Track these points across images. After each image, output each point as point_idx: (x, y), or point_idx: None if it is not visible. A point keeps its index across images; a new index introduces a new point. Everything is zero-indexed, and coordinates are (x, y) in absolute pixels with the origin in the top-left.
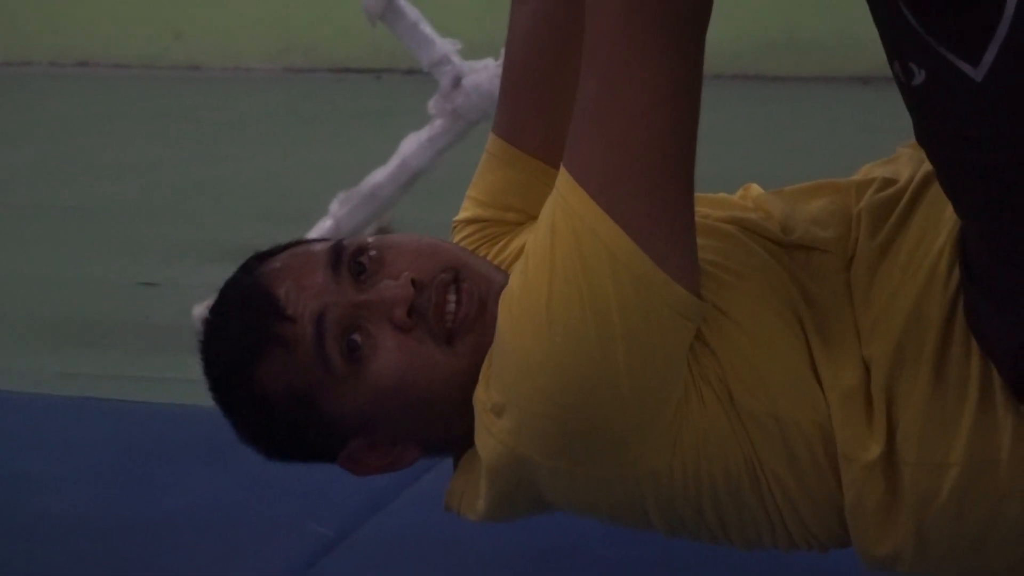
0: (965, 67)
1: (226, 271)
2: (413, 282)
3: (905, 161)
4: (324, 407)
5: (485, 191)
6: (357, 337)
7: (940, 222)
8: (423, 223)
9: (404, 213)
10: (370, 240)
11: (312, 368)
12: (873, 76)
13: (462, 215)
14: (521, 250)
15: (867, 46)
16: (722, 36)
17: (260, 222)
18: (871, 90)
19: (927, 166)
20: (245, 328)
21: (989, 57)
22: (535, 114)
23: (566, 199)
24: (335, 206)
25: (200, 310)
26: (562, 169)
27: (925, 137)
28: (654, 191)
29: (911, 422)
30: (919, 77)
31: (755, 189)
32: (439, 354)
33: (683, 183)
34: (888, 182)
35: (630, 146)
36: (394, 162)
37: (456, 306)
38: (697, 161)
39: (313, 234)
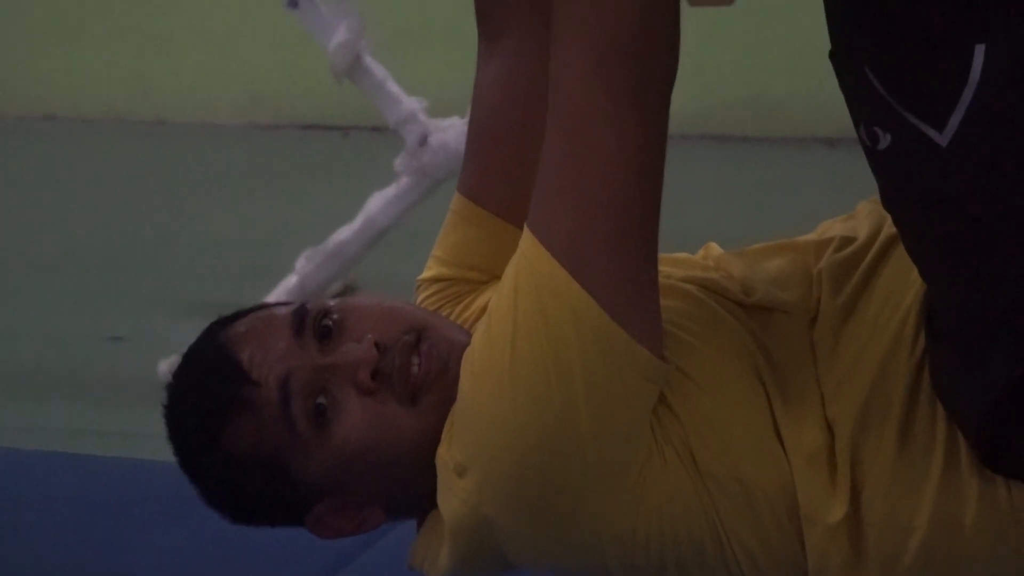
0: (930, 132)
1: (193, 326)
2: (376, 345)
3: (863, 217)
4: (291, 471)
5: (449, 250)
6: (322, 400)
7: (906, 284)
8: (389, 281)
9: (370, 271)
10: (333, 303)
11: (278, 432)
12: (840, 138)
13: (426, 274)
14: (485, 309)
15: (834, 108)
16: (689, 96)
17: (226, 278)
18: (838, 152)
19: (890, 226)
20: (210, 393)
21: (954, 122)
22: (500, 174)
23: (530, 259)
24: (301, 263)
25: (166, 365)
26: (526, 229)
27: (891, 201)
28: (618, 252)
29: (876, 484)
30: (884, 141)
31: (715, 249)
32: (404, 415)
33: (647, 244)
34: (847, 240)
35: (594, 207)
36: (360, 219)
37: (419, 367)
38: (662, 221)
39: (278, 290)
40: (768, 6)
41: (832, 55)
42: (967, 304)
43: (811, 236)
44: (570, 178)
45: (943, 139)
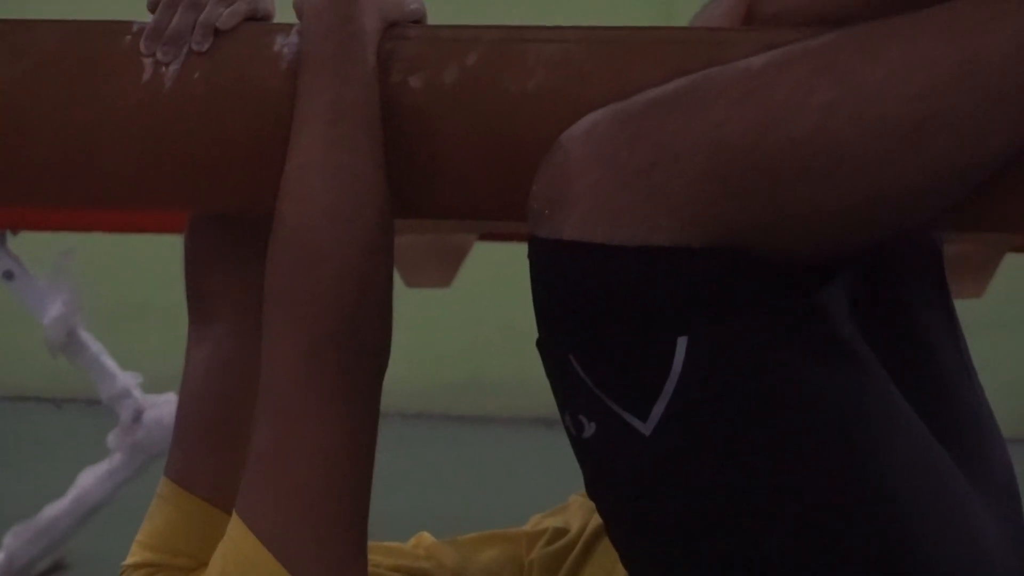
0: (634, 421)
1: None
2: None
3: (575, 510)
4: None
5: (153, 534)
6: None
7: (612, 574)
8: (100, 559)
9: (80, 548)
10: None
11: None
12: (556, 419)
13: (129, 560)
14: None
15: (549, 389)
16: (407, 375)
17: None
18: (554, 432)
19: (598, 517)
20: None
21: (657, 412)
22: (207, 458)
23: (238, 545)
24: (8, 540)
25: None
26: (234, 514)
27: (595, 489)
28: (327, 540)
29: None
30: (589, 430)
31: (427, 538)
32: None
33: (356, 532)
34: (559, 532)
35: (302, 494)
36: (71, 495)
37: None
38: (378, 502)
39: None
40: (483, 290)
41: (539, 342)
42: None
43: (524, 528)
44: (278, 464)
45: (646, 428)
